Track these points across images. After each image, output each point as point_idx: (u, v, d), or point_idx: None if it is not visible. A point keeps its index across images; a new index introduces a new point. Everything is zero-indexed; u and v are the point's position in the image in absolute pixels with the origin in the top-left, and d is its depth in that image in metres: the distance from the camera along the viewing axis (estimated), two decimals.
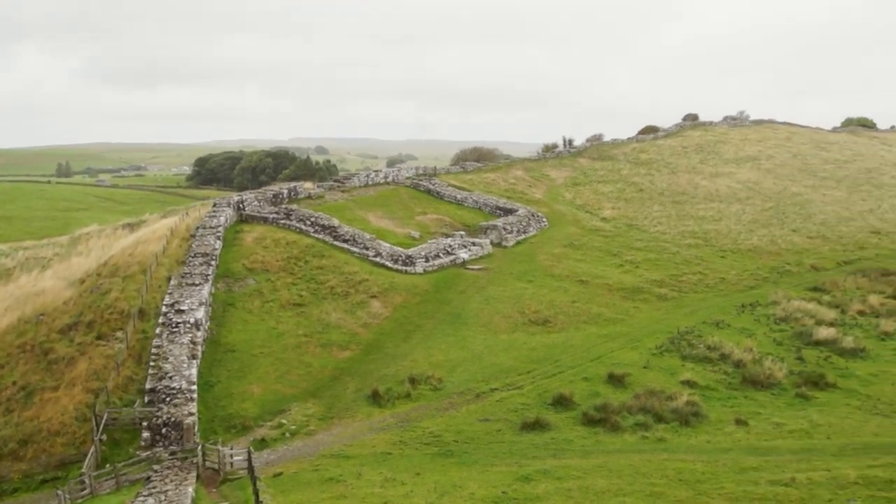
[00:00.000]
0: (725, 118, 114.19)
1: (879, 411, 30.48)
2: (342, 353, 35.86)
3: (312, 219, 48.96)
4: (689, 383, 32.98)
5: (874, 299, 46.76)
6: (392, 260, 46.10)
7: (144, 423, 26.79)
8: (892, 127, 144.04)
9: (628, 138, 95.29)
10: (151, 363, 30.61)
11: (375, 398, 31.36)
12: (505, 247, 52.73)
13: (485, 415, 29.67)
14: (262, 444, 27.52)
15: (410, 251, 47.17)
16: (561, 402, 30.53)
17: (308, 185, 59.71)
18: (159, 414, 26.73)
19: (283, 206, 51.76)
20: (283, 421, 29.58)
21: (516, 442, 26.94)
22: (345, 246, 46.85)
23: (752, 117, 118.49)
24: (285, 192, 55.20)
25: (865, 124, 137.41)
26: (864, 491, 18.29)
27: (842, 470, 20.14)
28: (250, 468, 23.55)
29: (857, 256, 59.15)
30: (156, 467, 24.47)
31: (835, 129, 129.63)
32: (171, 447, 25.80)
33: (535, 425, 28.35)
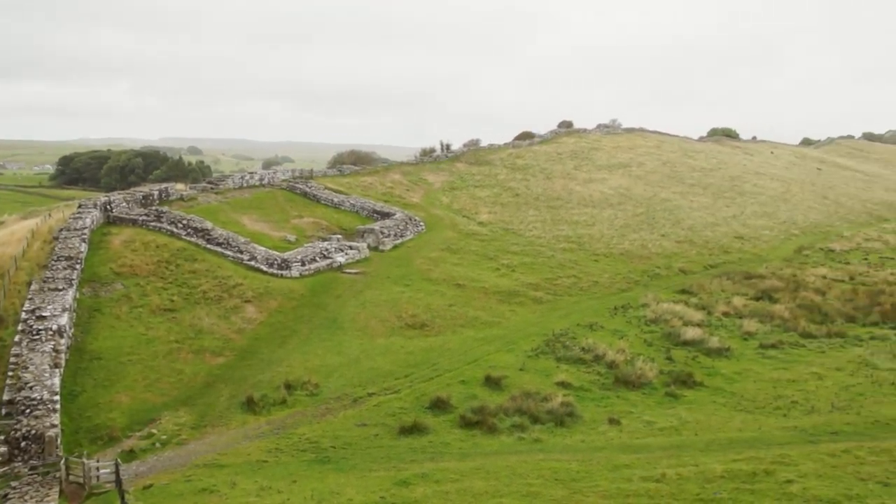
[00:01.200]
0: (599, 126, 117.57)
1: (743, 408, 31.98)
2: (216, 359, 34.86)
3: (185, 221, 47.45)
4: (563, 384, 33.64)
5: (738, 301, 49.08)
6: (267, 264, 45.20)
7: (1, 437, 25.22)
8: (754, 137, 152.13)
9: (505, 144, 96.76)
10: (10, 373, 28.76)
11: (250, 405, 30.60)
12: (382, 251, 52.56)
13: (362, 420, 29.42)
14: (130, 455, 26.37)
15: (286, 255, 46.37)
16: (438, 406, 30.59)
17: (180, 186, 57.89)
18: (18, 427, 25.18)
19: (154, 207, 49.91)
20: (154, 431, 28.47)
21: (394, 446, 26.82)
22: (218, 249, 45.61)
23: (624, 125, 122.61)
24: (156, 193, 53.28)
25: (729, 134, 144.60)
26: (729, 484, 19.09)
27: (709, 464, 20.98)
28: (118, 481, 22.54)
29: (722, 260, 62.01)
30: (14, 484, 23.03)
31: (701, 139, 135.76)
32: (31, 461, 24.34)
33: (413, 429, 28.30)
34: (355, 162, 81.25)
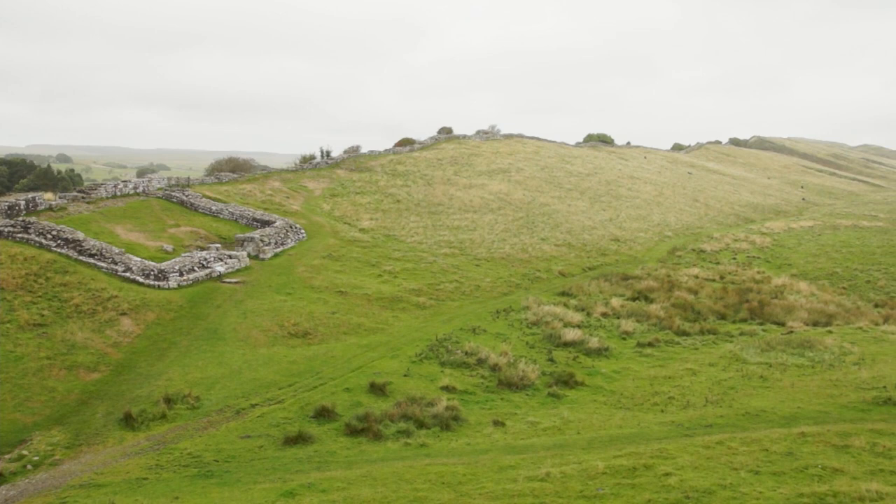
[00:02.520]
0: (478, 132, 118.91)
1: (622, 405, 32.87)
2: (90, 375, 33.36)
3: (54, 232, 45.27)
4: (448, 389, 33.79)
5: (616, 302, 50.53)
6: (143, 275, 43.63)
7: None
8: (628, 143, 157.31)
9: (385, 150, 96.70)
10: None
11: (128, 421, 29.41)
12: (263, 259, 51.58)
13: (245, 431, 28.73)
14: None
15: (163, 265, 44.88)
16: (323, 414, 30.19)
17: (49, 195, 55.14)
18: None
19: (21, 218, 47.37)
20: (24, 452, 26.95)
21: (279, 457, 26.29)
22: (91, 261, 43.73)
23: (503, 131, 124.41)
24: (23, 203, 50.59)
25: (604, 140, 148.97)
26: (611, 479, 19.54)
27: (591, 462, 21.41)
28: None
29: (599, 262, 63.72)
30: None
31: (578, 144, 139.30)
32: None
33: (298, 439, 27.82)
34: (234, 169, 79.41)
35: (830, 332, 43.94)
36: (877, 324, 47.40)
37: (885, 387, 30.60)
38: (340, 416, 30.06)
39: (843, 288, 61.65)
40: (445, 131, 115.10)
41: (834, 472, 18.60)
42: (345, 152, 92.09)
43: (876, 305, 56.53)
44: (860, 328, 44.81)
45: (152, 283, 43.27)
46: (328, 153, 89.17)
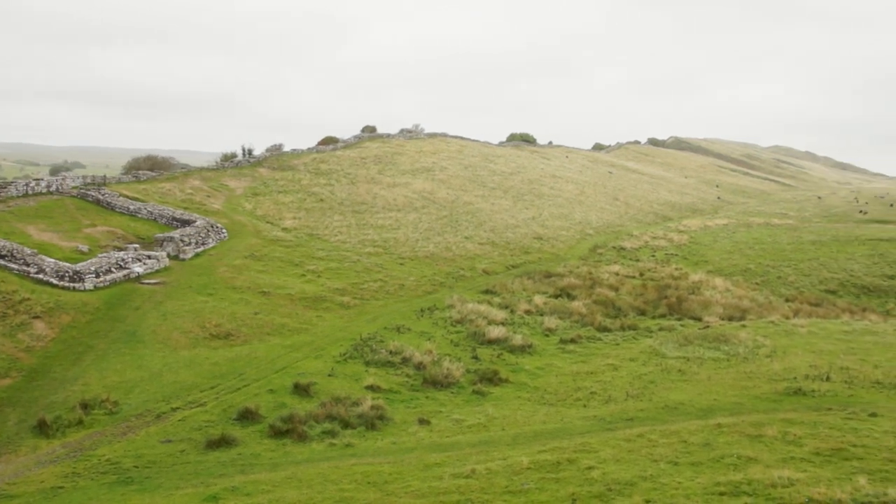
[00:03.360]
0: (402, 131, 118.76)
1: (546, 401, 33.31)
2: (1, 381, 32.18)
3: None
4: (373, 388, 33.71)
5: (538, 299, 51.13)
6: (58, 276, 42.33)
7: None
8: (550, 142, 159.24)
9: (308, 149, 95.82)
10: None
11: (42, 428, 28.48)
12: (183, 259, 50.57)
13: (166, 436, 28.15)
14: None
15: (78, 266, 43.61)
16: (247, 416, 29.78)
17: None
18: None
19: None
20: None
21: (202, 461, 25.84)
22: (1, 262, 42.23)
23: (427, 130, 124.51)
24: None
25: (527, 139, 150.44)
26: (535, 474, 19.79)
27: (516, 457, 21.65)
28: None
29: (522, 260, 64.38)
30: None
31: (501, 144, 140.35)
32: None
33: (221, 442, 27.38)
34: (152, 168, 77.54)
35: (744, 326, 45.32)
36: (787, 317, 49.11)
37: (795, 378, 31.72)
38: (264, 418, 29.72)
39: (756, 283, 63.63)
40: (369, 130, 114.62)
41: (748, 461, 19.20)
42: (267, 150, 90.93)
43: (787, 300, 58.56)
44: (772, 322, 46.35)
45: (67, 284, 42.02)
46: (250, 151, 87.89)
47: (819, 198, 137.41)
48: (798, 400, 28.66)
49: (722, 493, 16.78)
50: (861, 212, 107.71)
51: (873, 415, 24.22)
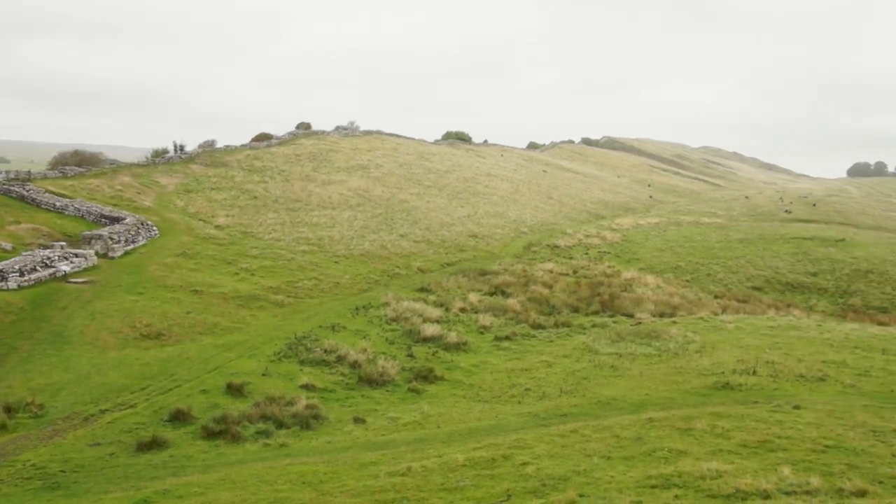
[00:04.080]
0: (337, 128, 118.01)
1: (481, 398, 33.50)
2: None
3: None
4: (308, 387, 33.47)
5: (473, 297, 51.35)
6: None
7: None
8: (485, 141, 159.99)
9: (242, 145, 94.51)
10: None
11: None
12: (112, 258, 49.44)
13: (95, 439, 27.48)
14: None
15: (1, 265, 42.26)
16: (179, 418, 29.27)
17: None
18: None
19: None
20: None
21: (132, 464, 25.31)
22: None
23: (363, 128, 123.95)
24: None
25: (462, 138, 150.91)
26: (471, 471, 19.89)
27: (451, 455, 21.73)
28: None
29: (457, 258, 64.58)
30: None
31: (437, 142, 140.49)
32: None
33: (152, 444, 26.85)
34: (80, 163, 75.53)
35: (675, 322, 46.24)
36: (716, 314, 50.29)
37: (723, 372, 32.52)
38: (197, 419, 29.25)
39: (686, 281, 65.01)
40: (304, 127, 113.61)
41: (679, 454, 19.60)
42: (199, 147, 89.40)
43: (715, 297, 59.99)
44: (701, 318, 47.39)
45: None
46: (182, 147, 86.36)
47: (746, 197, 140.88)
48: (726, 394, 29.38)
49: (653, 486, 17.10)
50: (786, 211, 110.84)
51: (797, 407, 24.96)
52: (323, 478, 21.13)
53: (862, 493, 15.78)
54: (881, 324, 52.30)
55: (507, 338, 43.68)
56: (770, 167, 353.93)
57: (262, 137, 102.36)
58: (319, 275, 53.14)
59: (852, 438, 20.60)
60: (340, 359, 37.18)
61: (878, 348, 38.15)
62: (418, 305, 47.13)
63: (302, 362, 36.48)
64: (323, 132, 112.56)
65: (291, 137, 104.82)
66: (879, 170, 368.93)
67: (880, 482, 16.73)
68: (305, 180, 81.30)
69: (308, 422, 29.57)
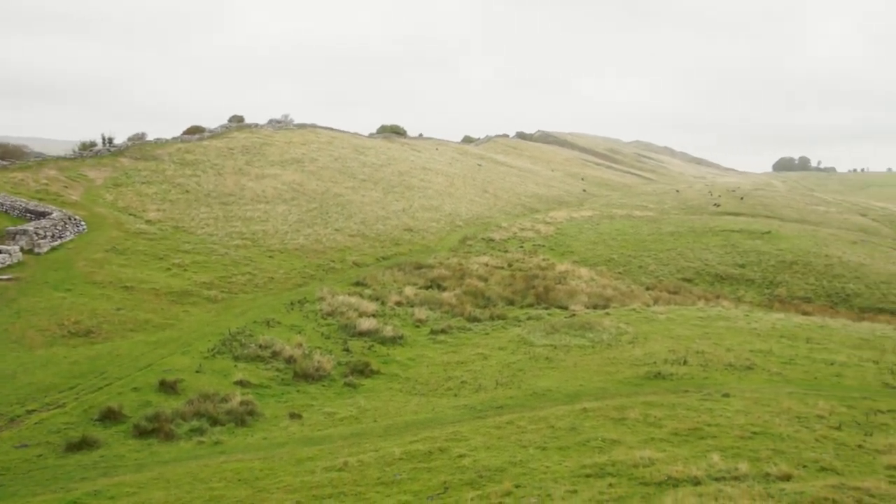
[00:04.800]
0: (271, 121, 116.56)
1: (417, 391, 33.58)
2: None
3: None
4: (242, 383, 33.12)
5: (409, 290, 51.36)
6: None
7: None
8: (420, 135, 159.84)
9: (173, 138, 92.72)
10: None
11: None
12: (38, 254, 48.11)
13: (22, 440, 26.75)
14: None
15: None
16: (109, 417, 28.68)
17: None
18: None
19: None
20: None
21: (61, 466, 24.71)
22: None
23: (297, 121, 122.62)
24: None
25: (397, 131, 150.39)
26: (407, 464, 19.93)
27: (388, 448, 21.74)
28: None
29: (393, 252, 64.49)
30: None
31: (371, 136, 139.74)
32: None
33: (82, 444, 26.26)
34: (3, 156, 73.18)
35: (608, 313, 46.99)
36: (648, 305, 51.26)
37: (655, 362, 33.18)
38: (129, 418, 28.71)
39: (619, 273, 66.06)
40: (237, 120, 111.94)
41: (612, 443, 19.95)
42: (129, 140, 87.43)
43: (647, 288, 61.09)
44: (634, 309, 48.26)
45: None
46: (111, 140, 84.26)
47: (677, 191, 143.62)
48: (658, 383, 29.98)
49: (588, 475, 17.37)
50: (715, 205, 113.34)
51: (726, 395, 25.61)
52: (259, 474, 20.96)
53: (787, 477, 16.27)
54: (805, 313, 53.96)
55: (442, 331, 43.83)
56: (699, 161, 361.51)
57: (194, 130, 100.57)
58: (253, 269, 52.55)
59: (778, 425, 21.22)
60: (275, 354, 36.87)
61: (802, 337, 39.38)
62: (354, 300, 46.94)
63: (236, 358, 36.06)
64: (256, 125, 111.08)
65: (224, 131, 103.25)
66: (803, 164, 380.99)
67: (804, 466, 17.28)
68: (238, 174, 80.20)
69: (243, 418, 29.28)
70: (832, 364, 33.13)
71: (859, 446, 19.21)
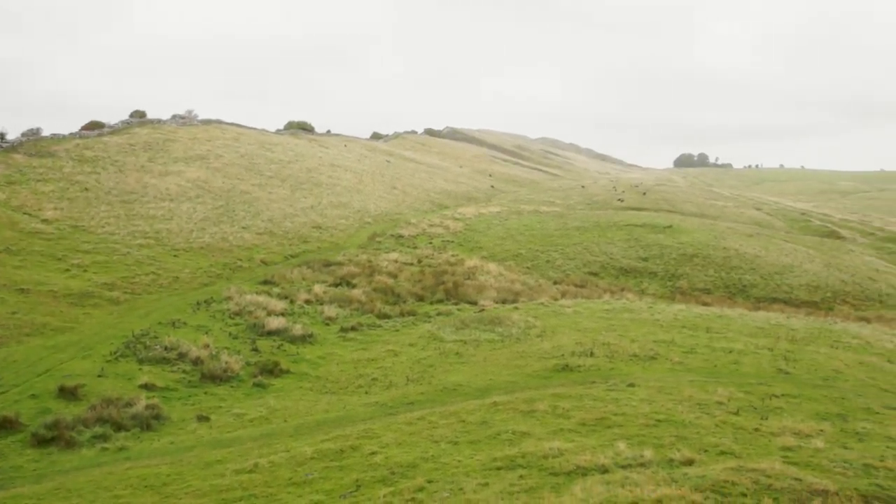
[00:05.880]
0: (174, 117, 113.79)
1: (328, 390, 33.35)
2: None
3: None
4: (148, 387, 32.27)
5: (318, 288, 50.91)
6: None
7: None
8: (328, 131, 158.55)
9: (71, 134, 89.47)
10: None
11: None
12: None
13: None
14: None
15: None
16: (5, 426, 27.52)
17: None
18: None
19: None
20: None
21: None
22: None
23: (202, 117, 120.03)
24: None
25: (305, 128, 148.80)
26: (319, 464, 19.79)
27: (299, 448, 21.54)
28: None
29: (301, 250, 63.81)
30: None
31: (279, 132, 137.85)
32: None
33: None
34: None
35: (517, 308, 47.59)
36: (556, 299, 52.15)
37: (563, 355, 33.77)
38: (26, 426, 27.64)
39: (527, 267, 66.99)
40: (139, 115, 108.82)
41: (522, 436, 20.22)
42: (23, 135, 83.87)
43: (555, 282, 62.16)
44: (542, 303, 49.02)
45: None
46: (3, 136, 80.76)
47: (583, 187, 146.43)
48: (566, 375, 30.52)
49: (499, 468, 17.57)
50: (619, 200, 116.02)
51: (631, 385, 26.24)
52: (166, 480, 20.48)
53: (690, 462, 16.79)
54: (705, 304, 55.80)
55: (352, 328, 43.64)
56: (604, 158, 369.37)
57: (93, 126, 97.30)
58: (158, 269, 51.25)
59: (681, 412, 21.87)
60: (182, 356, 36.04)
61: (702, 327, 40.70)
62: (262, 298, 46.27)
63: (141, 361, 35.11)
64: (159, 121, 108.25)
65: (125, 126, 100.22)
66: (702, 161, 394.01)
67: (705, 451, 17.87)
68: (141, 171, 78.03)
69: (149, 423, 28.55)
70: (730, 352, 34.32)
71: (756, 430, 19.96)
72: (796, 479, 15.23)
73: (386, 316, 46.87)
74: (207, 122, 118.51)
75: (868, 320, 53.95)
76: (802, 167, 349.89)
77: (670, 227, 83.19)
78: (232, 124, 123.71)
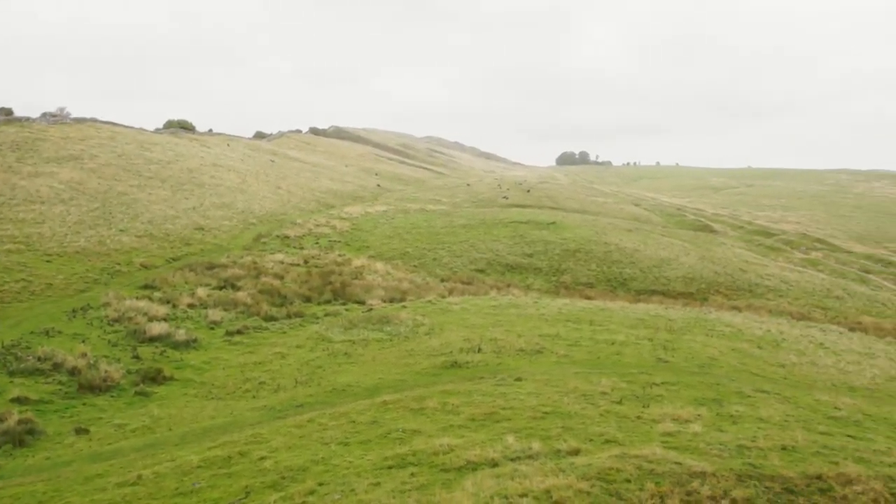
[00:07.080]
0: (44, 115, 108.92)
1: (214, 395, 32.58)
2: None
3: None
4: (20, 400, 30.75)
5: (202, 291, 49.66)
6: None
7: None
8: (210, 130, 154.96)
9: None
10: None
11: None
12: None
13: None
14: None
15: None
16: None
17: None
18: None
19: None
20: None
21: None
22: None
23: (74, 115, 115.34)
24: None
25: (185, 127, 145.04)
26: (206, 472, 19.31)
27: (185, 457, 20.96)
28: None
29: (184, 252, 62.11)
30: None
31: (158, 131, 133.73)
32: None
33: None
34: None
35: (405, 306, 47.68)
36: (443, 296, 52.50)
37: (451, 352, 34.02)
38: None
39: (415, 266, 67.23)
40: (5, 113, 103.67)
41: (413, 433, 20.28)
42: None
43: (442, 280, 62.62)
44: (430, 301, 49.27)
45: None
46: None
47: (468, 185, 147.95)
48: (455, 372, 30.76)
49: (390, 467, 17.57)
50: (504, 197, 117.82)
51: (518, 379, 26.68)
52: (42, 497, 19.58)
53: (576, 452, 17.22)
54: (588, 298, 57.32)
55: (238, 332, 42.80)
56: (489, 156, 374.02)
57: None
58: (29, 276, 48.89)
59: (566, 403, 22.38)
60: (57, 366, 34.49)
61: (586, 320, 41.75)
62: (143, 304, 44.80)
63: (12, 373, 33.42)
64: (28, 119, 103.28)
65: None
66: (583, 158, 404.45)
67: (591, 440, 18.36)
68: (8, 172, 74.26)
69: (22, 438, 27.22)
70: (613, 344, 35.32)
71: (638, 417, 20.64)
72: (676, 462, 15.86)
73: (273, 318, 46.16)
74: (81, 120, 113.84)
75: (739, 309, 56.65)
76: (677, 164, 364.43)
77: (554, 223, 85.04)
78: (107, 123, 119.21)
